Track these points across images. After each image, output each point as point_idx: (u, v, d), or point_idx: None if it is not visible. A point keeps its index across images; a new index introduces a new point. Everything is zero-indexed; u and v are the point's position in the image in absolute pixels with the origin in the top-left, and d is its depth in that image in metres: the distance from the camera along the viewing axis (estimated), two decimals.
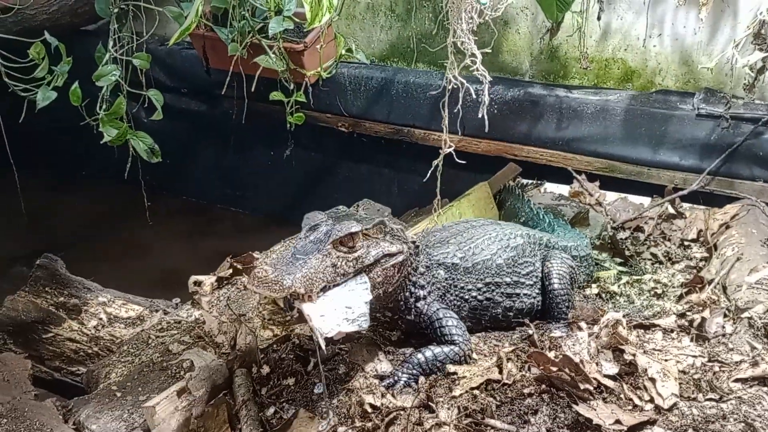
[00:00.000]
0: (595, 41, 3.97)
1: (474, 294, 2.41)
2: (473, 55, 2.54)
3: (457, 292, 2.38)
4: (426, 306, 2.29)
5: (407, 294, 2.27)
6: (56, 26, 4.94)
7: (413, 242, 2.30)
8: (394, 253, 2.14)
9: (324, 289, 1.95)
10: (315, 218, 2.11)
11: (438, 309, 2.29)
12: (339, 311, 1.93)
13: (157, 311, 3.00)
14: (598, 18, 3.79)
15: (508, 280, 2.48)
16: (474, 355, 2.31)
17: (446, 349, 2.22)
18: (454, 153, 3.58)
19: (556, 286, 2.57)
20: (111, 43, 3.92)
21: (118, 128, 3.60)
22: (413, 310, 2.29)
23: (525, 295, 2.53)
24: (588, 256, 3.02)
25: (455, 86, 2.77)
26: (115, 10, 3.88)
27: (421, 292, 2.29)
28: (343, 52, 4.46)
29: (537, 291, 2.58)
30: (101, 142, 3.73)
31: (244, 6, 4.00)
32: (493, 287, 2.44)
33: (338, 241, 2.01)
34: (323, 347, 1.94)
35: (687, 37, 3.73)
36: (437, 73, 4.44)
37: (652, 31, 3.81)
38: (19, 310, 2.78)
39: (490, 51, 2.98)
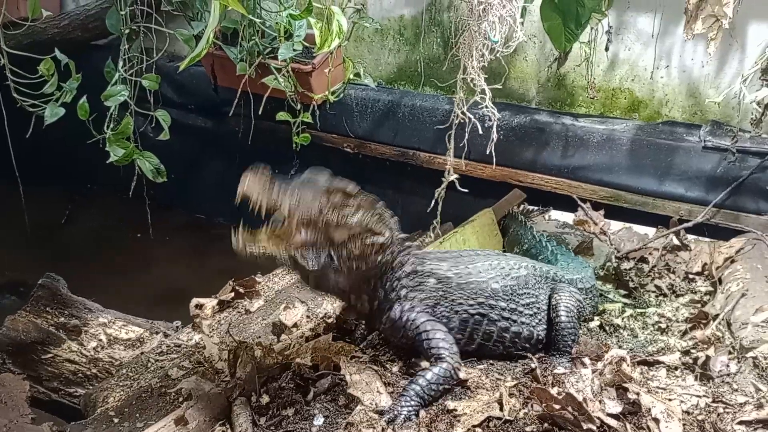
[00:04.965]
0: (602, 71, 3.98)
1: (465, 308, 2.38)
2: (483, 91, 2.55)
3: (447, 305, 2.36)
4: (411, 311, 2.27)
5: (389, 287, 2.27)
6: (67, 40, 4.99)
7: (405, 238, 2.31)
8: (376, 232, 2.17)
9: (302, 224, 2.02)
10: (319, 169, 2.18)
11: (426, 321, 2.27)
12: None
13: (157, 333, 2.99)
14: (606, 49, 3.81)
15: (503, 305, 2.45)
16: (476, 385, 2.29)
17: (436, 369, 2.19)
18: (458, 180, 3.59)
19: (563, 318, 2.54)
20: (121, 63, 3.93)
21: (125, 148, 3.61)
22: (396, 304, 2.28)
23: (523, 323, 2.50)
24: (593, 287, 3.00)
25: (462, 120, 2.78)
26: (126, 31, 3.90)
27: (404, 291, 2.28)
28: (351, 76, 4.48)
29: (537, 322, 2.55)
30: (107, 162, 3.74)
31: (253, 27, 4.03)
32: (486, 307, 2.42)
33: (333, 190, 2.08)
34: None
35: (694, 69, 3.74)
36: (444, 97, 4.46)
37: (660, 63, 3.82)
38: (19, 330, 2.77)
39: (501, 87, 2.99)
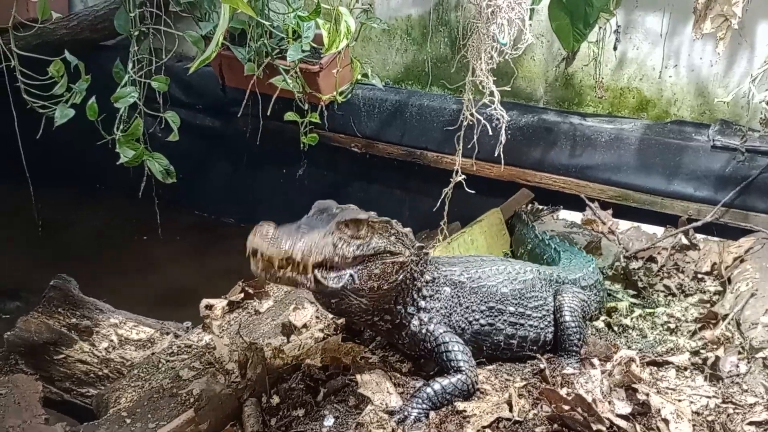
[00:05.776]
0: (610, 70, 3.97)
1: (477, 317, 2.40)
2: (492, 93, 2.55)
3: (462, 312, 2.37)
4: (429, 323, 2.28)
5: (409, 300, 2.27)
6: (76, 41, 5.02)
7: (421, 246, 2.30)
8: (396, 252, 2.17)
9: (320, 266, 1.99)
10: (325, 203, 2.18)
11: (444, 332, 2.28)
12: None
13: (168, 334, 3.01)
14: (614, 48, 3.81)
15: (512, 309, 2.47)
16: (486, 386, 2.30)
17: (453, 379, 2.21)
18: (466, 179, 3.60)
19: (567, 318, 2.55)
20: (130, 65, 3.95)
21: (135, 149, 3.63)
22: (414, 318, 2.28)
23: (530, 326, 2.51)
24: (597, 282, 2.99)
25: (471, 123, 2.78)
26: (135, 32, 3.91)
27: (423, 303, 2.29)
28: (359, 76, 4.49)
29: (545, 324, 2.56)
30: (117, 163, 3.76)
31: (262, 28, 4.04)
32: (496, 313, 2.44)
33: (344, 223, 2.07)
34: None
35: (703, 68, 3.73)
36: (451, 97, 4.46)
37: (668, 62, 3.82)
38: (32, 331, 2.79)
39: (509, 88, 2.99)
